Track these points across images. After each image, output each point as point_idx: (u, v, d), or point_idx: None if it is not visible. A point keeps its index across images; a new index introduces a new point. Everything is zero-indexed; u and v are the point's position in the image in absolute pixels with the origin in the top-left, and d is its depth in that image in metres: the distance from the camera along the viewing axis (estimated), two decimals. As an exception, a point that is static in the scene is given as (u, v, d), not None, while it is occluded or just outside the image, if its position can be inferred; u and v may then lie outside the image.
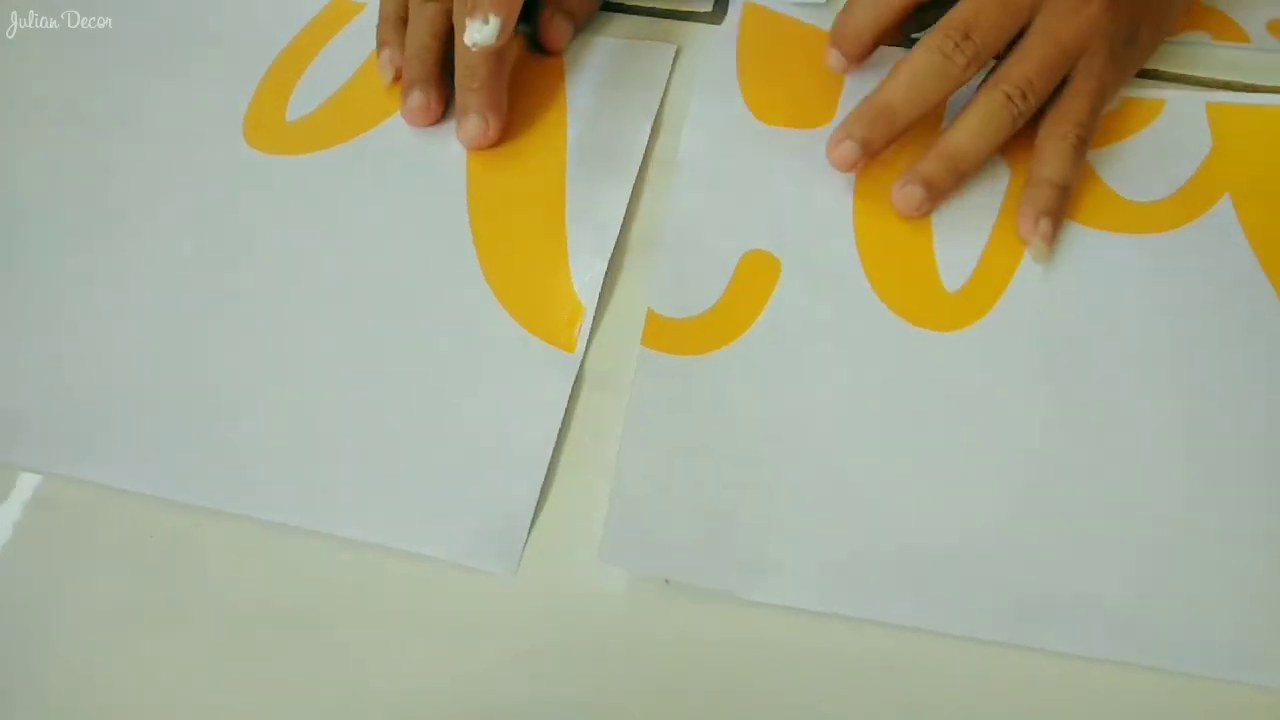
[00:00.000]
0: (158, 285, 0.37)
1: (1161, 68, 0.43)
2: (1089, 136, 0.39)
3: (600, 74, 0.43)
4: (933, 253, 0.38)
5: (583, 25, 0.45)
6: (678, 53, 0.44)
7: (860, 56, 0.40)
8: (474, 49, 0.36)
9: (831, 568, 0.31)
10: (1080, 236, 0.38)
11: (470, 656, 0.30)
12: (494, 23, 0.36)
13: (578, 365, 0.35)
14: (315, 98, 0.42)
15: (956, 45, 0.37)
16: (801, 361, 0.35)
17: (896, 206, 0.38)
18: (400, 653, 0.30)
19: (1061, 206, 0.38)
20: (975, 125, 0.38)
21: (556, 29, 0.43)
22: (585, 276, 0.37)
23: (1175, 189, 0.39)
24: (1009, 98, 0.38)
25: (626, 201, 0.39)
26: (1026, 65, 0.38)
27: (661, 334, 0.36)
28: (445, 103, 0.41)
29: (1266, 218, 0.38)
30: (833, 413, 0.34)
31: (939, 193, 0.38)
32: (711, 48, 0.43)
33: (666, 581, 0.31)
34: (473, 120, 0.39)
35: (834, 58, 0.40)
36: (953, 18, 0.38)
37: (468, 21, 0.36)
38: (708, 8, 0.46)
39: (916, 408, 0.34)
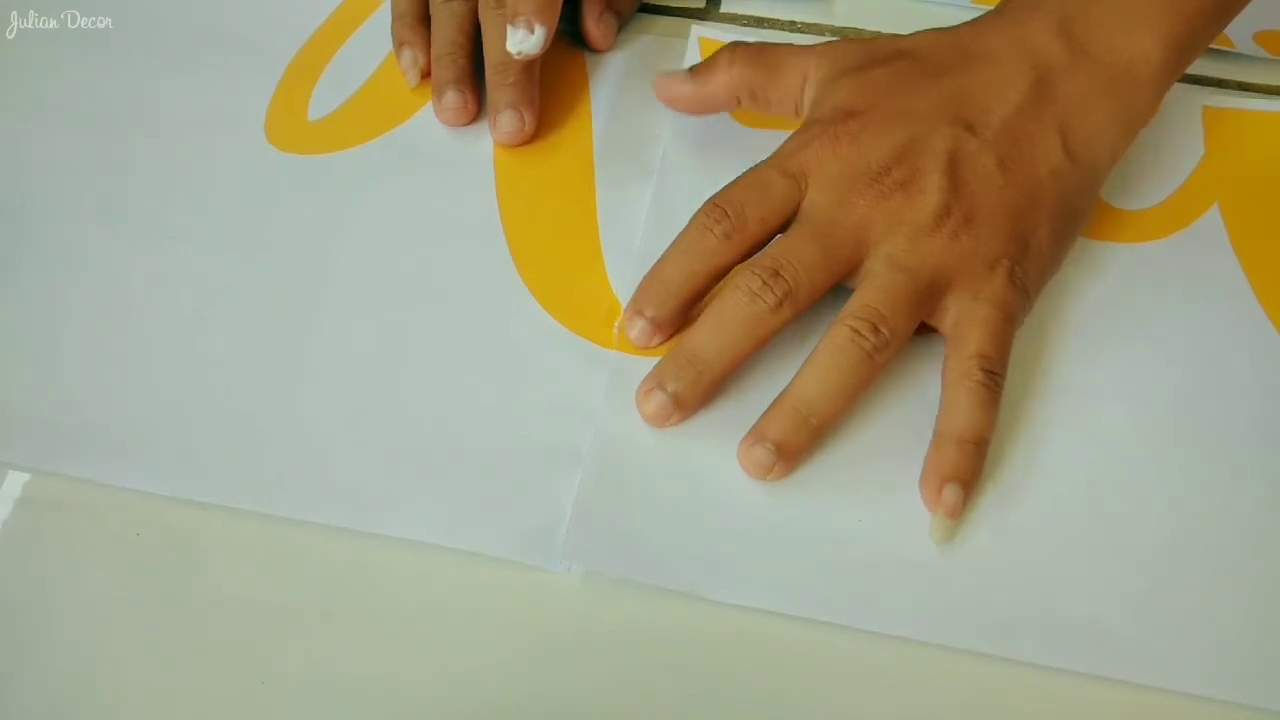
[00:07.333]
0: (179, 284, 0.37)
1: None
2: (999, 369, 0.33)
3: (621, 69, 0.43)
4: None
5: (626, 23, 0.45)
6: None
7: (670, 325, 0.35)
8: (519, 58, 0.37)
9: (806, 572, 0.31)
10: None
11: (469, 652, 0.31)
12: (539, 32, 0.36)
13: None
14: (337, 96, 0.42)
15: (764, 283, 0.33)
16: (773, 366, 0.35)
17: (745, 470, 0.33)
18: (401, 649, 0.31)
19: (974, 467, 0.32)
20: (820, 369, 0.32)
21: (606, 26, 0.43)
22: (620, 272, 0.38)
23: (1165, 197, 0.39)
24: (855, 332, 0.32)
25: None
26: (869, 294, 0.33)
27: None
28: (479, 100, 0.41)
29: (1254, 228, 0.38)
30: None
31: (791, 453, 0.32)
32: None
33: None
34: (508, 116, 0.40)
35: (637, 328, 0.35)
36: (764, 251, 0.34)
37: (509, 30, 0.36)
38: (700, 4, 0.46)
39: (897, 415, 0.34)
